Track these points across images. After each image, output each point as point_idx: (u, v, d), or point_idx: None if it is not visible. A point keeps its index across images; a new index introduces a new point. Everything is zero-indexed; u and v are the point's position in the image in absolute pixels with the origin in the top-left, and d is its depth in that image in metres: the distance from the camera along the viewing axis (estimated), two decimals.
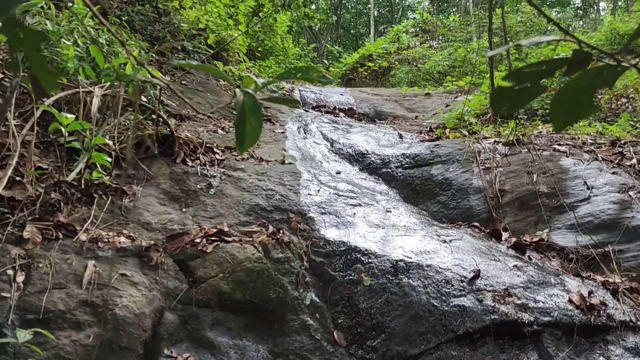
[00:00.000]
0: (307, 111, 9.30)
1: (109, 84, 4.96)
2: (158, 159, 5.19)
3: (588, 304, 4.06)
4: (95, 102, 4.61)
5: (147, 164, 5.05)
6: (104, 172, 4.51)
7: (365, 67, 18.14)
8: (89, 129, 4.43)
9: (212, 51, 8.60)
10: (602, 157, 5.99)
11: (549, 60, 0.77)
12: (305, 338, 3.93)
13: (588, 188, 5.52)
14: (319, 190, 5.39)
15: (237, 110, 0.87)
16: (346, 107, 10.34)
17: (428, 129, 8.40)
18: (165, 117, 5.47)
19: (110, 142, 4.70)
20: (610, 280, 4.51)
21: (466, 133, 7.48)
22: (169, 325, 3.73)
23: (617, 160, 5.89)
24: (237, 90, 0.88)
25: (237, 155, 5.81)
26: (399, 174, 6.53)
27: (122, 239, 4.07)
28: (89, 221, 4.13)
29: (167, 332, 3.69)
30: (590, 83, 0.77)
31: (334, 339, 3.98)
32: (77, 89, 4.72)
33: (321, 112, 9.49)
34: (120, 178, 4.75)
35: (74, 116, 4.20)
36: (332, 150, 7.00)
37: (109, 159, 4.46)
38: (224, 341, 3.79)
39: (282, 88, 10.52)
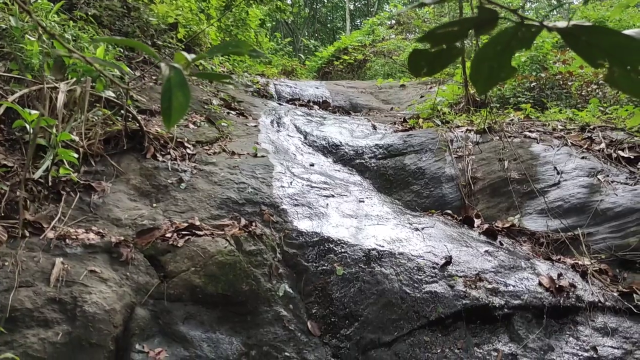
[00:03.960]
0: (281, 104, 9.27)
1: (74, 79, 4.89)
2: (128, 155, 5.14)
3: (557, 286, 4.11)
4: (61, 98, 4.55)
5: (116, 160, 5.00)
6: (71, 169, 4.46)
7: (341, 60, 18.11)
8: (55, 126, 4.37)
9: (182, 46, 8.53)
10: (571, 143, 6.06)
11: (459, 21, 0.77)
12: (279, 329, 3.92)
13: (558, 173, 5.59)
14: (291, 183, 5.38)
15: (163, 85, 0.86)
16: (321, 100, 10.33)
17: (402, 119, 8.42)
18: (134, 112, 5.41)
19: (77, 138, 4.64)
20: (580, 262, 4.57)
21: (439, 122, 7.51)
22: (140, 320, 3.70)
23: (586, 145, 5.96)
24: (162, 64, 0.87)
25: (209, 150, 5.77)
26: (373, 165, 6.54)
27: (91, 235, 4.03)
28: (57, 218, 4.08)
29: (138, 327, 3.66)
30: (508, 45, 0.77)
31: (307, 329, 3.98)
32: (42, 85, 4.65)
33: (295, 105, 9.47)
34: (89, 175, 4.70)
35: (38, 112, 4.14)
36: (305, 143, 6.99)
37: (76, 155, 4.40)
38: (197, 335, 3.77)
39: (257, 82, 10.47)
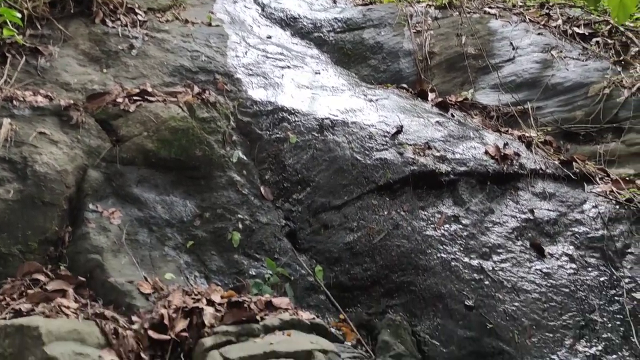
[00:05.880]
0: None
1: None
2: (75, 19, 4.94)
3: (502, 154, 4.27)
4: None
5: (63, 24, 4.80)
6: (15, 30, 4.28)
7: None
8: None
9: None
10: (529, 19, 6.05)
11: None
12: (233, 193, 4.01)
13: (514, 49, 5.63)
14: (246, 53, 5.29)
15: None
16: None
17: None
18: None
19: None
20: (527, 134, 4.73)
21: None
22: (93, 182, 3.73)
23: (543, 22, 5.97)
24: None
25: (161, 17, 5.58)
26: (331, 39, 6.44)
27: (39, 98, 3.95)
28: (2, 80, 3.97)
29: (91, 188, 3.70)
30: None
31: (260, 194, 4.08)
32: None
33: None
34: (35, 38, 4.53)
35: None
36: (263, 15, 6.79)
37: (20, 16, 4.21)
38: (151, 197, 3.84)
39: None
